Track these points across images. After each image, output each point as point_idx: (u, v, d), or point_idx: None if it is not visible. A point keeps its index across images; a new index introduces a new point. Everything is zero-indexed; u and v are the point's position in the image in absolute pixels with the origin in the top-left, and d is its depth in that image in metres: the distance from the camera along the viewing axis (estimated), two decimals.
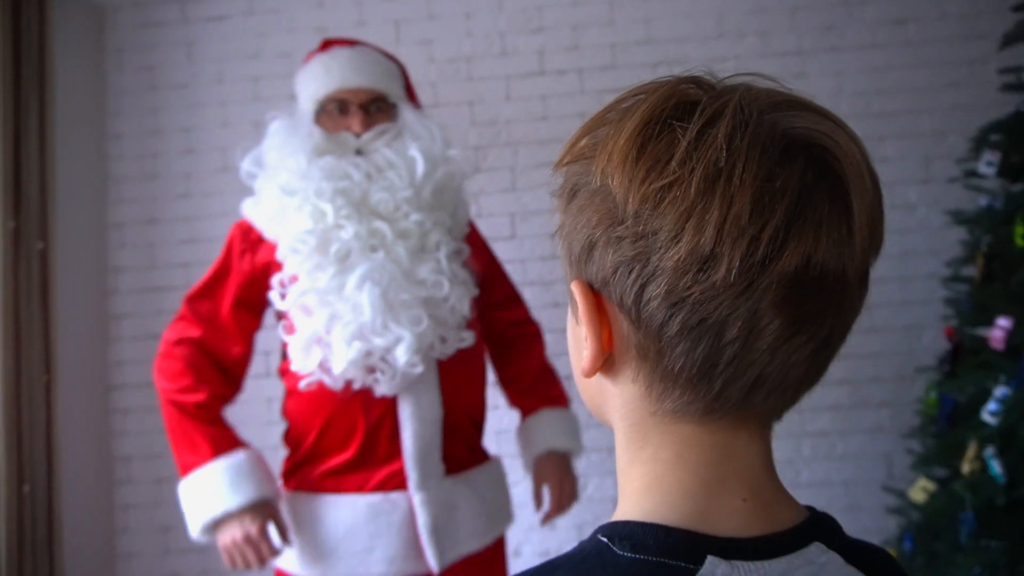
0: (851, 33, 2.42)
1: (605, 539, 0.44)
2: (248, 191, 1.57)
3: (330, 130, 1.50)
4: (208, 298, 1.48)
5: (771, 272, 0.40)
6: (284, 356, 1.46)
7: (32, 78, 2.03)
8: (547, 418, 1.66)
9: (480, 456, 1.57)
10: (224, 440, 1.42)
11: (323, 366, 1.36)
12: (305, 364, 1.37)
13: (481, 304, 1.63)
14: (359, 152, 1.48)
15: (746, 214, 0.40)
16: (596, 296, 0.46)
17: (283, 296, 1.40)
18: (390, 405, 1.41)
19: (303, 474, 1.46)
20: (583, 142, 0.48)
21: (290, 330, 1.41)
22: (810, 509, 0.49)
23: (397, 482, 1.41)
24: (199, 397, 1.42)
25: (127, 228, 2.45)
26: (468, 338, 1.45)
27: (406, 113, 1.56)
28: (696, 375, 0.43)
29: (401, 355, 1.34)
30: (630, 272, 0.43)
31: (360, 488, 1.41)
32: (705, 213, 0.40)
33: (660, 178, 0.41)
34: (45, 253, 2.02)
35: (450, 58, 2.46)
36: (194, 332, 1.46)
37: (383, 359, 1.36)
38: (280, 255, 1.40)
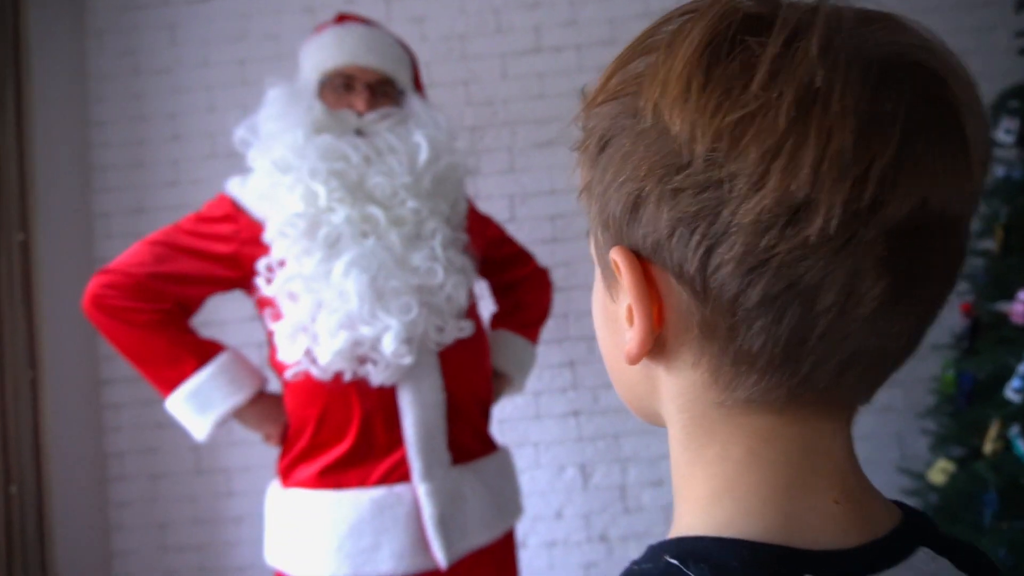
0: (857, 3, 2.33)
1: (675, 561, 0.36)
2: (238, 174, 1.50)
3: (332, 106, 1.43)
4: (168, 280, 1.39)
5: (878, 222, 0.33)
6: (271, 344, 1.39)
7: (7, 62, 1.95)
8: (507, 340, 1.65)
9: (488, 445, 1.50)
10: (203, 346, 1.39)
11: (309, 356, 1.30)
12: (291, 353, 1.30)
13: (489, 270, 1.64)
14: (360, 132, 1.41)
15: (849, 149, 0.32)
16: (643, 264, 0.38)
17: (269, 281, 1.33)
18: (388, 392, 1.35)
19: (301, 471, 1.39)
20: (616, 79, 0.40)
21: (276, 318, 1.34)
22: (900, 505, 0.42)
23: (401, 473, 1.34)
24: (163, 305, 1.36)
25: (113, 217, 2.37)
26: (467, 328, 1.38)
27: (413, 101, 1.49)
28: (780, 355, 0.35)
29: (388, 345, 1.27)
30: (692, 231, 0.35)
31: (362, 482, 1.34)
32: (798, 149, 0.32)
33: (737, 107, 0.33)
34: (26, 244, 1.94)
35: (443, 36, 2.38)
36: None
37: (373, 349, 1.29)
38: (267, 237, 1.33)
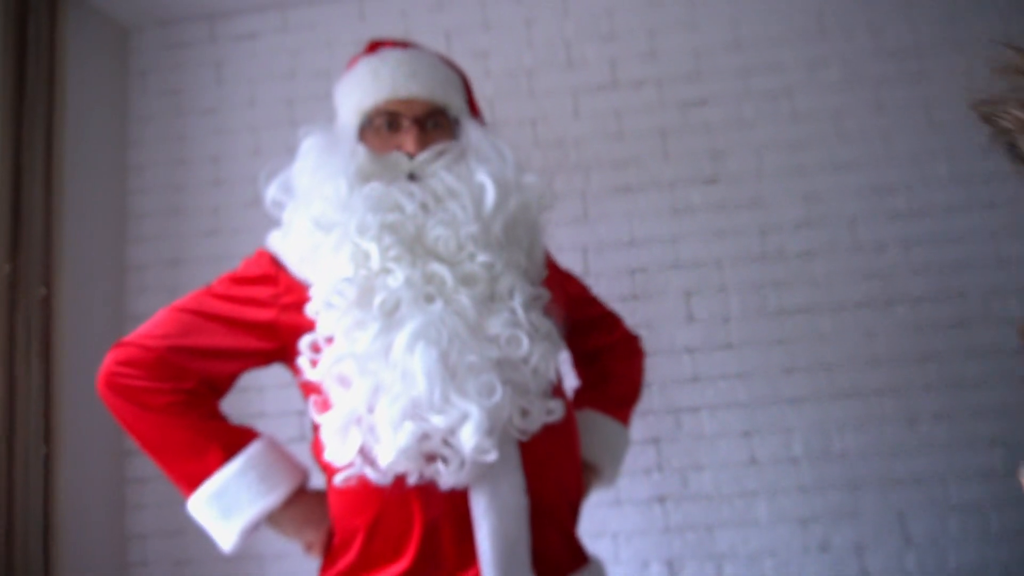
0: (978, 24, 2.05)
1: None
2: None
3: (378, 149, 1.19)
4: (194, 354, 1.15)
5: None
6: (316, 438, 1.13)
7: (38, 102, 1.77)
8: (594, 423, 1.38)
9: (579, 556, 1.21)
10: (232, 434, 1.14)
11: (365, 455, 1.03)
12: (341, 453, 1.04)
13: (570, 335, 1.38)
14: (412, 177, 1.17)
15: None
16: None
17: (314, 364, 1.07)
18: (458, 496, 1.07)
19: None
20: None
21: (323, 407, 1.08)
22: None
23: None
24: (186, 384, 1.11)
25: (147, 270, 2.17)
26: (556, 410, 1.11)
27: (470, 130, 1.24)
28: None
29: (468, 438, 1.00)
30: None
31: None
32: None
33: None
34: (48, 300, 1.74)
35: (509, 71, 2.16)
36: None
37: (445, 442, 1.02)
38: (311, 310, 1.08)
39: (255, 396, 2.09)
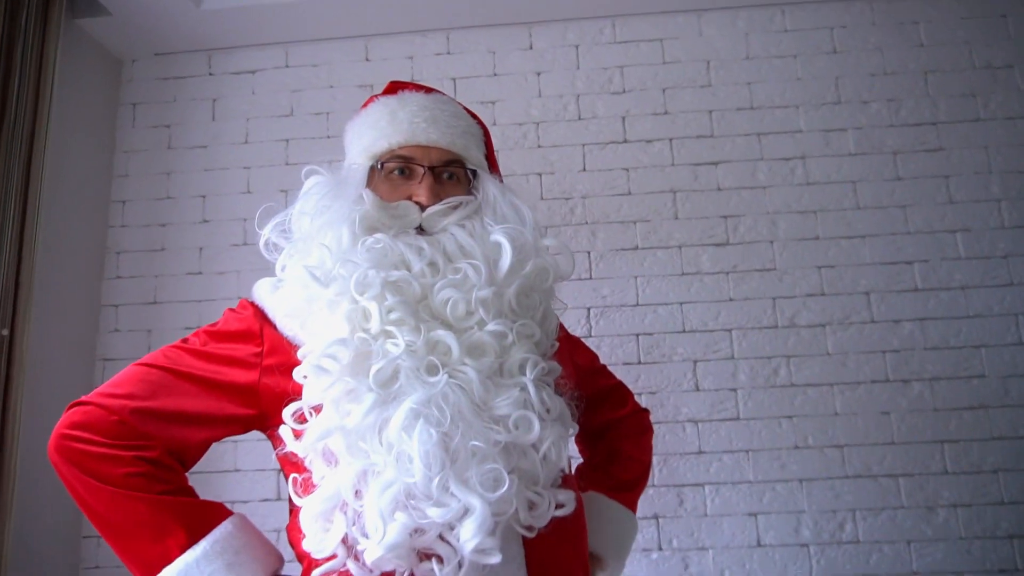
0: (996, 100, 2.01)
1: None
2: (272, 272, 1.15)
3: (386, 197, 1.10)
4: (162, 419, 1.02)
5: None
6: (294, 523, 1.00)
7: (19, 127, 1.67)
8: (600, 508, 1.25)
9: None
10: (198, 512, 0.98)
11: (349, 547, 0.91)
12: (322, 543, 0.91)
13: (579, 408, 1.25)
14: (422, 230, 1.07)
15: None
16: None
17: (298, 435, 0.95)
18: None
19: None
20: None
21: (305, 488, 0.96)
22: None
23: None
24: (149, 453, 0.97)
25: (122, 311, 2.04)
26: (568, 502, 0.99)
27: (488, 185, 1.15)
28: None
29: (468, 536, 0.88)
30: None
31: None
32: None
33: None
34: (12, 342, 1.61)
35: (516, 121, 2.09)
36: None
37: (442, 539, 0.89)
38: (299, 374, 0.96)
39: (228, 449, 1.95)
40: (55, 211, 1.85)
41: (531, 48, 2.13)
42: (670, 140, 2.05)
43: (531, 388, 0.98)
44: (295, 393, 0.98)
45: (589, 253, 1.99)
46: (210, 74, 2.17)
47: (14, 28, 1.69)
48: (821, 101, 2.05)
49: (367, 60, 2.16)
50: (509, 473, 0.92)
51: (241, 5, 2.00)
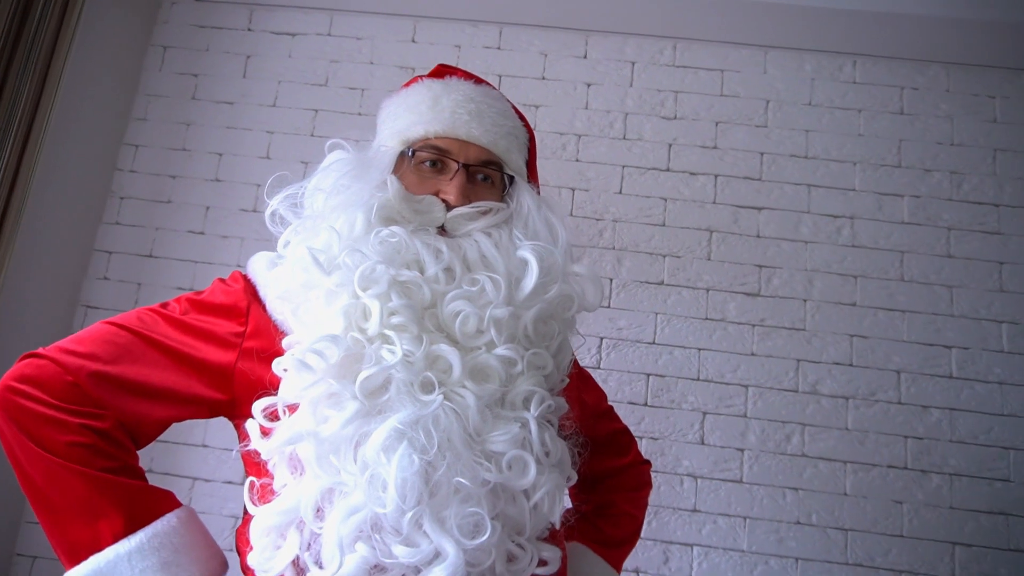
0: None
1: None
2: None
3: (412, 188, 0.99)
4: (121, 387, 0.90)
5: None
6: (244, 530, 0.89)
7: (36, 50, 1.57)
8: (584, 561, 1.15)
9: None
10: (142, 497, 0.87)
11: (299, 571, 0.79)
12: (269, 561, 0.80)
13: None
14: (444, 231, 0.96)
15: None
16: None
17: (266, 433, 0.84)
18: None
19: None
20: None
21: (263, 494, 0.84)
22: None
23: None
24: (99, 423, 0.85)
25: (115, 259, 1.94)
26: (551, 561, 0.88)
27: (524, 195, 1.03)
28: None
29: None
30: None
31: None
32: None
33: None
34: None
35: (558, 130, 1.98)
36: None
37: None
38: (280, 366, 0.85)
39: (199, 422, 1.84)
40: (61, 141, 1.75)
41: (585, 57, 2.03)
42: (715, 176, 1.94)
43: (533, 426, 0.87)
44: (272, 385, 0.87)
45: (611, 280, 1.88)
46: (249, 29, 2.08)
47: None
48: (880, 162, 1.94)
49: (413, 41, 2.05)
50: (492, 519, 0.80)
51: None
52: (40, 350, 0.90)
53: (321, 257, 0.90)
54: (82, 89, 1.81)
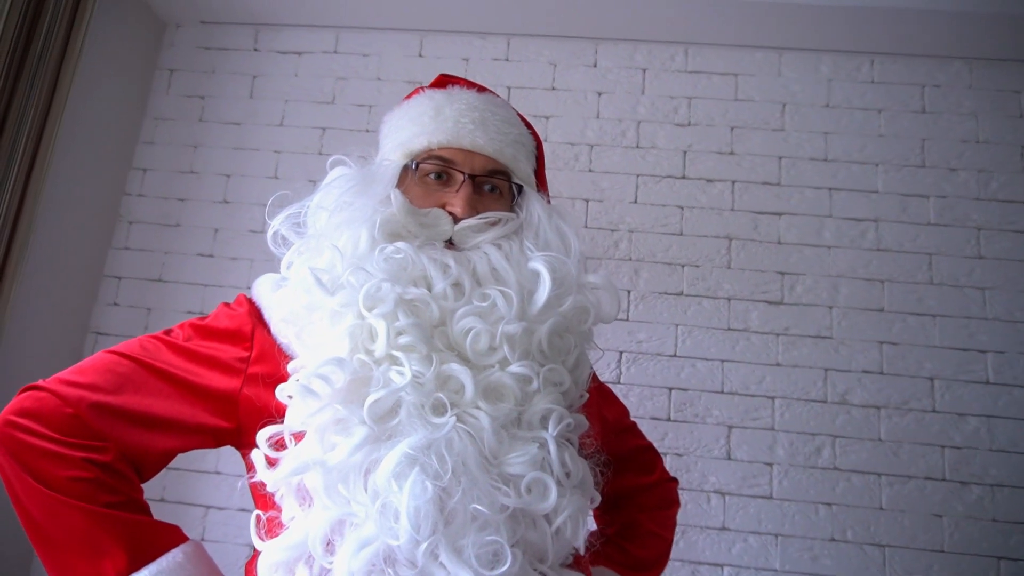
0: None
1: None
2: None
3: (417, 202, 0.95)
4: (124, 418, 0.86)
5: None
6: (255, 553, 0.85)
7: (39, 80, 1.56)
8: None
9: None
10: (146, 533, 0.83)
11: None
12: None
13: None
14: (451, 245, 0.92)
15: None
16: None
17: (272, 463, 0.79)
18: None
19: None
20: None
21: (270, 527, 0.80)
22: None
23: None
24: (102, 456, 0.81)
25: (124, 284, 1.91)
26: None
27: (533, 204, 1.00)
28: None
29: None
30: None
31: None
32: None
33: None
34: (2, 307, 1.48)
35: (570, 141, 1.94)
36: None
37: None
38: (284, 392, 0.81)
39: (211, 451, 1.80)
40: (68, 167, 1.74)
41: (595, 66, 1.99)
42: (732, 183, 1.89)
43: (552, 446, 0.81)
44: (278, 412, 0.83)
45: (629, 292, 1.83)
46: (255, 49, 2.06)
47: None
48: (903, 162, 1.88)
49: (420, 56, 2.03)
50: (512, 547, 0.75)
51: None
52: (40, 382, 0.87)
53: (324, 277, 0.86)
54: (88, 114, 1.80)
